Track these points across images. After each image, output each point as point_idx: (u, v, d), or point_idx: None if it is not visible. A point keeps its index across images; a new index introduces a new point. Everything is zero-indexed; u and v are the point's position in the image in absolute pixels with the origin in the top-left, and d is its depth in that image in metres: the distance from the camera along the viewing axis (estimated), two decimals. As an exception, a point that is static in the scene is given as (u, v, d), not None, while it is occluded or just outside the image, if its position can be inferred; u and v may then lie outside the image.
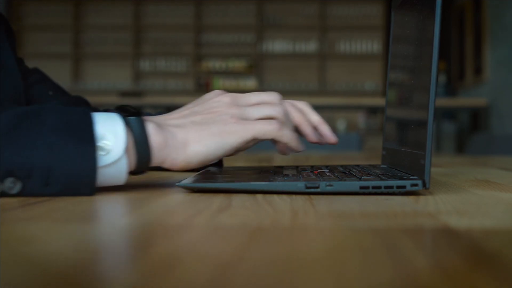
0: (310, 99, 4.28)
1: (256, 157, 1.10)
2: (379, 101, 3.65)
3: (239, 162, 0.93)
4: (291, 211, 0.35)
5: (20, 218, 0.32)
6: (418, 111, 0.46)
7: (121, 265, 0.21)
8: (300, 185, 0.43)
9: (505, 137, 2.14)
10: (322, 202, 0.39)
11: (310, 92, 5.23)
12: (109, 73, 5.36)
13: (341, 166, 0.61)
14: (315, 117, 0.55)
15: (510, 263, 0.21)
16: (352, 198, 0.41)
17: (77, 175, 0.40)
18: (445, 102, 3.58)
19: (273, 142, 0.51)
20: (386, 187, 0.42)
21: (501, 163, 0.91)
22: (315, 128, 0.55)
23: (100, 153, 0.41)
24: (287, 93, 5.11)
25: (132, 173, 0.45)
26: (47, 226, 0.30)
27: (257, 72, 5.32)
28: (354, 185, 0.43)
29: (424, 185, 0.42)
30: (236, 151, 0.49)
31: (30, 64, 0.79)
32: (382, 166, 0.61)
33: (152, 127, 0.44)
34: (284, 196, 0.42)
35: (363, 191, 0.42)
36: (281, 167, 0.61)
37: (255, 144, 0.51)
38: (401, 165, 0.52)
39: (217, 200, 0.40)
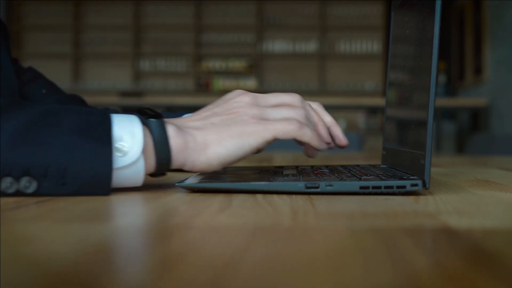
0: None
1: (256, 157, 1.10)
2: (379, 101, 3.65)
3: (239, 162, 0.93)
4: (291, 211, 0.35)
5: (20, 218, 0.32)
6: (418, 111, 0.46)
7: (121, 265, 0.21)
8: (300, 185, 0.43)
9: (505, 137, 2.14)
10: (322, 202, 0.39)
11: (310, 92, 5.22)
12: (109, 73, 5.36)
13: (341, 166, 0.61)
14: (328, 118, 0.54)
15: (510, 263, 0.21)
16: (352, 198, 0.41)
17: (93, 175, 0.40)
18: (445, 102, 3.58)
19: (298, 143, 0.51)
20: (386, 187, 0.42)
21: (501, 163, 0.91)
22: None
23: (117, 154, 0.41)
24: (287, 93, 5.11)
25: (152, 175, 0.45)
26: (47, 226, 0.29)
27: (257, 72, 5.32)
28: (354, 185, 0.43)
29: (424, 185, 0.42)
30: (257, 151, 0.49)
31: (30, 64, 0.79)
32: (382, 166, 0.61)
33: (173, 129, 0.44)
34: (284, 196, 0.42)
35: (363, 191, 0.42)
36: (281, 167, 0.61)
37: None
38: (401, 165, 0.52)
39: (217, 200, 0.40)
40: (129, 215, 0.35)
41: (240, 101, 0.47)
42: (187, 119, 0.47)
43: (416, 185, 0.42)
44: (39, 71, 0.80)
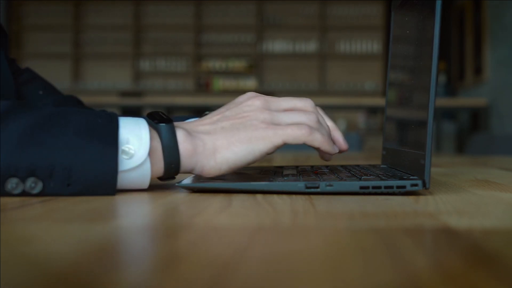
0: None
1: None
2: (379, 101, 3.65)
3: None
4: (291, 211, 0.35)
5: (20, 218, 0.32)
6: (418, 111, 0.46)
7: (121, 265, 0.21)
8: (300, 185, 0.43)
9: (505, 137, 2.14)
10: (322, 202, 0.39)
11: (310, 92, 5.22)
12: (109, 73, 5.36)
13: (341, 166, 0.61)
14: (329, 123, 0.54)
15: (510, 263, 0.21)
16: (352, 198, 0.41)
17: (98, 177, 0.40)
18: (445, 102, 3.58)
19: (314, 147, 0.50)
20: (386, 187, 0.42)
21: (501, 163, 0.91)
22: None
23: (123, 157, 0.41)
24: (287, 93, 5.12)
25: (160, 178, 0.45)
26: (47, 226, 0.30)
27: (257, 72, 5.32)
28: (354, 185, 0.43)
29: (424, 185, 0.42)
30: (267, 155, 0.49)
31: (30, 64, 0.79)
32: (382, 166, 0.61)
33: (182, 134, 0.44)
34: (284, 196, 0.42)
35: (363, 191, 0.42)
36: (281, 167, 0.61)
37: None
38: (401, 165, 0.52)
39: (217, 200, 0.40)
40: (129, 215, 0.35)
41: (251, 104, 0.47)
42: (197, 123, 0.47)
43: (416, 185, 0.42)
44: (36, 72, 0.80)
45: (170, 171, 0.44)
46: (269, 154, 0.51)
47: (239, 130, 0.45)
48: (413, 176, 0.45)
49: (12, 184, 0.39)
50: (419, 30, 0.48)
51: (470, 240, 0.26)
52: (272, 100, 0.48)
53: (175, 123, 0.45)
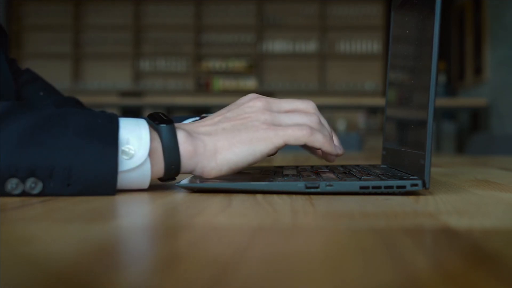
0: (310, 99, 4.25)
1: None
2: (379, 101, 3.65)
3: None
4: (291, 211, 0.35)
5: (20, 218, 0.32)
6: (418, 111, 0.46)
7: (121, 265, 0.21)
8: (300, 185, 0.43)
9: (505, 137, 2.14)
10: (322, 202, 0.39)
11: (310, 92, 5.22)
12: (109, 73, 5.36)
13: (341, 166, 0.61)
14: (326, 127, 0.54)
15: (510, 263, 0.21)
16: (352, 198, 0.41)
17: (98, 177, 0.40)
18: (445, 102, 3.58)
19: (310, 152, 0.50)
20: (386, 187, 0.42)
21: (501, 163, 0.91)
22: None
23: (123, 157, 0.41)
24: (287, 93, 5.13)
25: (161, 179, 0.45)
26: (47, 226, 0.30)
27: (257, 72, 5.32)
28: (354, 185, 0.43)
29: (424, 185, 0.42)
30: (268, 156, 0.49)
31: (30, 64, 0.80)
32: (382, 166, 0.61)
33: (183, 135, 0.44)
34: (284, 196, 0.42)
35: (363, 191, 0.42)
36: (281, 167, 0.61)
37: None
38: (401, 165, 0.52)
39: (217, 200, 0.40)
40: (129, 215, 0.35)
41: (252, 106, 0.47)
42: (199, 124, 0.47)
43: (416, 185, 0.42)
44: (36, 73, 0.80)
45: (170, 172, 0.44)
46: (270, 156, 0.51)
47: (240, 131, 0.45)
48: (413, 176, 0.45)
49: (12, 184, 0.39)
50: (419, 30, 0.48)
51: (470, 240, 0.26)
52: (274, 101, 0.48)
53: (176, 124, 0.45)
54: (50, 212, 0.34)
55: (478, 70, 3.92)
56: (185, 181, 0.47)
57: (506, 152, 1.66)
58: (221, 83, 5.32)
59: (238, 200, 0.39)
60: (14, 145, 0.39)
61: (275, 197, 0.41)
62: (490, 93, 3.69)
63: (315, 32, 5.27)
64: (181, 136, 0.44)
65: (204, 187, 0.45)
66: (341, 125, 5.07)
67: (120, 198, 0.41)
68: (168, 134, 0.43)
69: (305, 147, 0.56)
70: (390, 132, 0.61)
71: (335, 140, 0.54)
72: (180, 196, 0.43)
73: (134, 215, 0.35)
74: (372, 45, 5.26)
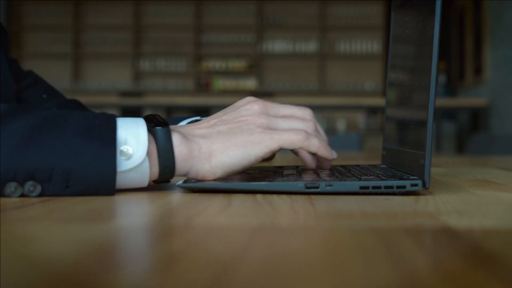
0: (310, 99, 4.29)
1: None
2: (379, 101, 3.65)
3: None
4: (291, 211, 0.35)
5: (20, 218, 0.32)
6: (418, 111, 0.46)
7: (121, 265, 0.21)
8: (300, 185, 0.43)
9: (505, 137, 2.14)
10: (322, 202, 0.39)
11: (310, 92, 5.23)
12: (109, 73, 5.36)
13: (341, 166, 0.61)
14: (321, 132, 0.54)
15: (510, 263, 0.21)
16: (352, 198, 0.41)
17: (97, 178, 0.40)
18: (445, 102, 3.58)
19: (312, 155, 0.50)
20: (386, 187, 0.42)
21: (501, 163, 0.91)
22: None
23: (121, 157, 0.41)
24: (287, 93, 5.13)
25: (155, 182, 0.45)
26: (47, 226, 0.30)
27: (257, 72, 5.32)
28: (354, 185, 0.43)
29: (424, 185, 0.42)
30: (264, 160, 0.49)
31: (30, 64, 0.80)
32: (382, 166, 0.61)
33: (178, 138, 0.44)
34: (284, 196, 0.42)
35: (363, 191, 0.42)
36: (281, 167, 0.61)
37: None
38: (401, 165, 0.52)
39: (217, 200, 0.40)
40: (129, 215, 0.35)
41: (249, 109, 0.47)
42: (194, 127, 0.47)
43: (416, 185, 0.42)
44: (39, 75, 0.81)
45: (165, 175, 0.44)
46: (267, 160, 0.51)
47: (235, 134, 0.45)
48: (413, 176, 0.45)
49: (11, 188, 0.39)
50: (419, 30, 0.48)
51: (470, 240, 0.26)
52: (271, 105, 0.48)
53: (171, 127, 0.45)
54: (50, 212, 0.34)
55: (478, 70, 3.92)
56: (185, 181, 0.47)
57: (506, 152, 1.66)
58: (221, 83, 5.32)
59: (238, 200, 0.39)
60: (13, 147, 0.39)
61: (275, 197, 0.41)
62: (490, 93, 3.69)
63: (315, 32, 5.27)
64: (176, 139, 0.44)
65: (204, 187, 0.45)
66: (341, 125, 5.07)
67: (120, 198, 0.41)
68: (163, 137, 0.43)
69: (299, 154, 0.56)
70: (390, 132, 0.61)
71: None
72: (180, 196, 0.43)
73: (134, 215, 0.35)
74: (372, 45, 5.26)
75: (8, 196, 0.40)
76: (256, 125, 0.46)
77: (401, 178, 0.43)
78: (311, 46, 5.30)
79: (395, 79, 0.60)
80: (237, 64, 5.31)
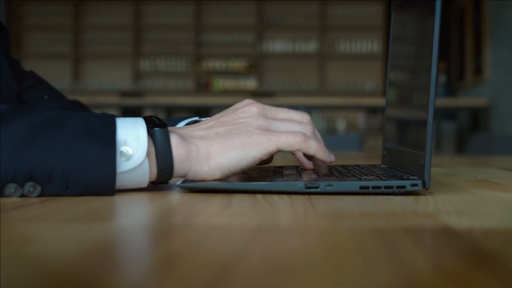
0: (310, 99, 4.29)
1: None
2: (379, 101, 3.65)
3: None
4: (291, 211, 0.35)
5: (20, 218, 0.32)
6: (418, 111, 0.46)
7: (121, 265, 0.21)
8: (300, 185, 0.43)
9: (505, 137, 2.14)
10: (322, 202, 0.39)
11: (310, 92, 5.23)
12: (109, 73, 5.36)
13: (341, 166, 0.61)
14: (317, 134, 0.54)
15: (510, 263, 0.21)
16: (352, 198, 0.41)
17: (97, 178, 0.40)
18: (445, 102, 3.58)
19: (307, 158, 0.50)
20: (386, 187, 0.42)
21: (501, 163, 0.91)
22: None
23: (121, 158, 0.41)
24: (287, 93, 5.13)
25: (153, 183, 0.45)
26: (47, 226, 0.30)
27: (257, 72, 5.32)
28: (354, 185, 0.43)
29: (424, 185, 0.42)
30: (262, 162, 0.49)
31: (30, 64, 0.80)
32: (382, 166, 0.61)
33: (176, 139, 0.44)
34: (284, 196, 0.42)
35: (363, 191, 0.42)
36: (281, 167, 0.61)
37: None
38: (401, 165, 0.52)
39: (217, 200, 0.40)
40: (129, 215, 0.35)
41: (247, 111, 0.47)
42: (193, 128, 0.47)
43: (416, 185, 0.42)
44: (41, 76, 0.81)
45: (163, 176, 0.44)
46: (265, 163, 0.51)
47: (234, 136, 0.45)
48: (413, 176, 0.45)
49: (10, 189, 0.39)
50: (419, 30, 0.48)
51: (470, 240, 0.26)
52: (269, 108, 0.48)
53: (170, 128, 0.45)
54: (50, 212, 0.34)
55: (478, 70, 3.92)
56: (185, 181, 0.47)
57: (506, 152, 1.66)
58: (221, 83, 5.32)
59: (238, 200, 0.39)
60: (13, 148, 0.39)
61: (275, 197, 0.41)
62: (490, 93, 3.69)
63: (315, 32, 5.27)
64: (174, 140, 0.44)
65: (203, 187, 0.45)
66: (341, 125, 5.07)
67: (120, 198, 0.41)
68: (162, 138, 0.43)
69: (296, 156, 0.56)
70: (390, 132, 0.61)
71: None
72: (180, 196, 0.43)
73: (134, 215, 0.35)
74: (372, 45, 5.26)
75: (8, 197, 0.40)
76: (254, 126, 0.46)
77: (401, 178, 0.43)
78: (311, 46, 5.30)
79: (395, 79, 0.60)
80: (237, 64, 5.31)
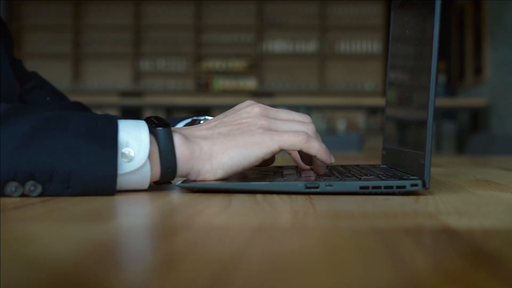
0: (310, 99, 4.29)
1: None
2: (379, 101, 3.65)
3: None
4: (291, 211, 0.35)
5: (20, 218, 0.32)
6: (418, 111, 0.46)
7: (121, 265, 0.21)
8: (300, 185, 0.43)
9: (505, 137, 2.14)
10: (322, 202, 0.39)
11: (310, 92, 5.22)
12: (109, 73, 5.36)
13: (341, 166, 0.61)
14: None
15: (510, 263, 0.21)
16: (352, 198, 0.41)
17: (98, 179, 0.40)
18: (445, 102, 3.58)
19: (306, 159, 0.49)
20: (386, 187, 0.42)
21: (501, 163, 0.91)
22: None
23: (123, 160, 0.41)
24: (287, 93, 5.13)
25: (156, 183, 0.45)
26: (47, 226, 0.30)
27: (257, 72, 5.32)
28: (354, 185, 0.43)
29: (424, 185, 0.42)
30: (264, 162, 0.49)
31: (30, 64, 0.80)
32: (382, 166, 0.61)
33: (179, 138, 0.44)
34: (284, 196, 0.42)
35: (363, 191, 0.42)
36: (281, 167, 0.61)
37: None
38: (401, 165, 0.52)
39: (217, 200, 0.40)
40: (129, 215, 0.35)
41: (250, 111, 0.47)
42: (196, 128, 0.47)
43: (416, 185, 0.42)
44: (43, 77, 0.81)
45: (166, 176, 0.44)
46: (267, 163, 0.51)
47: (236, 136, 0.45)
48: (413, 176, 0.45)
49: (11, 188, 0.39)
50: (419, 30, 0.48)
51: (470, 240, 0.26)
52: (271, 109, 0.49)
53: (173, 128, 0.45)
54: (50, 212, 0.34)
55: (478, 70, 3.92)
56: (185, 181, 0.47)
57: (506, 152, 1.66)
58: (221, 83, 5.32)
59: (238, 200, 0.39)
60: (14, 147, 0.39)
61: (275, 197, 0.41)
62: (490, 93, 3.69)
63: (315, 32, 5.27)
64: (177, 140, 0.44)
65: (204, 187, 0.45)
66: (341, 125, 5.07)
67: (120, 198, 0.41)
68: (165, 138, 0.43)
69: (292, 155, 0.56)
70: (390, 132, 0.61)
71: None
72: (180, 196, 0.43)
73: (134, 215, 0.35)
74: (372, 45, 5.26)
75: (9, 195, 0.40)
76: (256, 126, 0.46)
77: (401, 178, 0.43)
78: (311, 46, 5.30)
79: (395, 79, 0.60)
80: (237, 64, 5.31)
